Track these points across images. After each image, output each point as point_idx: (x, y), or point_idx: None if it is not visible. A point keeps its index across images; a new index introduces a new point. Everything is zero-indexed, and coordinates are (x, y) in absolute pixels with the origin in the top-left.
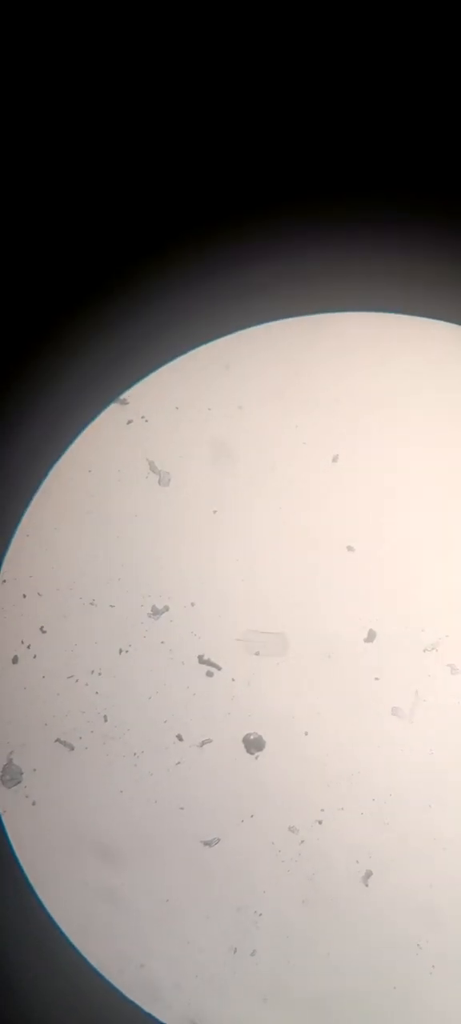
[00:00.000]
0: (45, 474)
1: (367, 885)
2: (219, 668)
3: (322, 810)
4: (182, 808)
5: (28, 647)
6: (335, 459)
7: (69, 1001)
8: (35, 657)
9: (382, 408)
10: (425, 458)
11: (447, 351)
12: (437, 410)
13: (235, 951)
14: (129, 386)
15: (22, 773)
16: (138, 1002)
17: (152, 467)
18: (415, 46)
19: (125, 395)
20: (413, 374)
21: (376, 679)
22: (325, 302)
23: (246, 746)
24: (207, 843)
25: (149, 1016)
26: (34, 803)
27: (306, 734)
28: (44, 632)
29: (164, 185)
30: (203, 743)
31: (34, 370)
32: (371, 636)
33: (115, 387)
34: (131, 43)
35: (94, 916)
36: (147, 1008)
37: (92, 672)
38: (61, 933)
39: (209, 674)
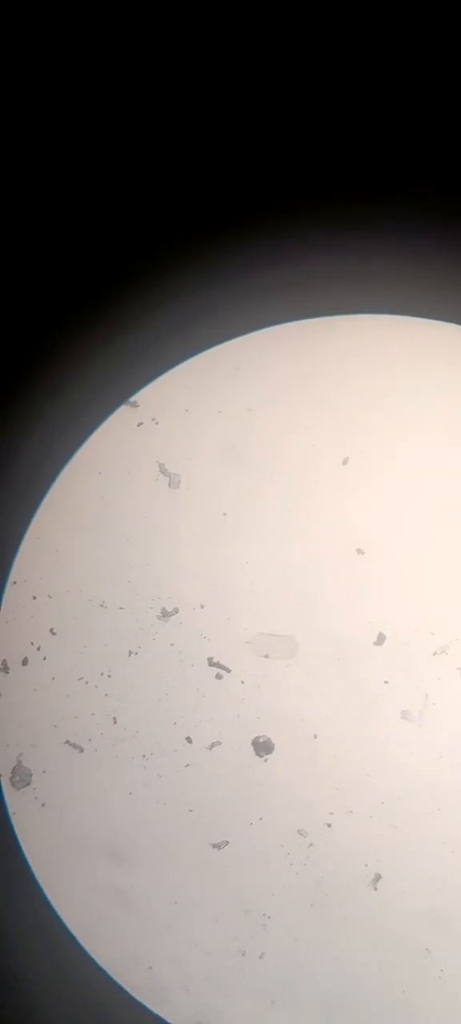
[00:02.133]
0: (55, 477)
1: (376, 888)
2: (228, 670)
3: (331, 813)
4: (191, 810)
5: (38, 649)
6: (345, 461)
7: (77, 1003)
8: (45, 659)
9: (392, 410)
10: (436, 460)
11: None
12: (450, 413)
13: (243, 954)
14: (139, 388)
15: (31, 775)
16: (146, 1004)
17: (162, 469)
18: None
19: (135, 397)
20: (425, 376)
21: (385, 682)
22: (334, 304)
23: (255, 749)
24: (216, 845)
25: (157, 1018)
26: (43, 804)
27: (315, 737)
28: (54, 634)
29: (173, 187)
30: (212, 745)
31: (44, 372)
32: (381, 639)
33: (125, 389)
34: (136, 53)
35: (103, 918)
36: (155, 1010)
37: (102, 674)
38: (70, 934)
39: (218, 676)
